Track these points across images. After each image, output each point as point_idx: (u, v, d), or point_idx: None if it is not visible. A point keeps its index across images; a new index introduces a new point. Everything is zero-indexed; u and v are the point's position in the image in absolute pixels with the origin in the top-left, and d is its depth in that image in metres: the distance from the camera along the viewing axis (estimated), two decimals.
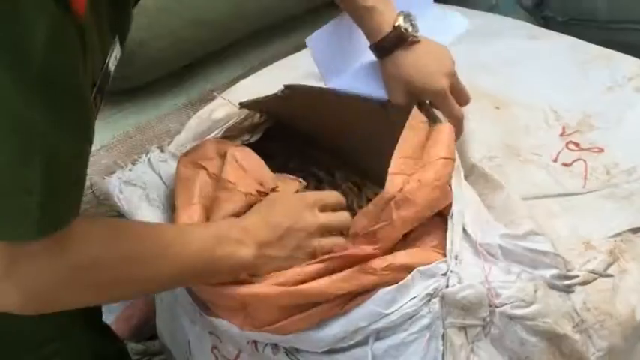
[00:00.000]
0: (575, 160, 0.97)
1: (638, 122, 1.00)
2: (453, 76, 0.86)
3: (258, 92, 0.99)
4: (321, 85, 0.97)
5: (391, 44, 0.85)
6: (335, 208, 0.77)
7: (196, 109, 1.27)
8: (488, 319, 0.76)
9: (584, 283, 0.77)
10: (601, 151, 0.97)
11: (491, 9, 1.65)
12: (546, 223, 0.85)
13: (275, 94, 0.94)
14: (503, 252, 0.77)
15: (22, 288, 0.57)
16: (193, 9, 1.27)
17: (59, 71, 0.51)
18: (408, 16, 0.86)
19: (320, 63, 0.97)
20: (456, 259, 0.76)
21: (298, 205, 0.75)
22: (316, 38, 0.95)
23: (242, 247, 0.70)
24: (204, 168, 0.85)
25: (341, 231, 0.77)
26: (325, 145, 1.03)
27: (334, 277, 0.70)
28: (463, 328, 0.78)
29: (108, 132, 1.29)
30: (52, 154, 0.53)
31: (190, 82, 1.36)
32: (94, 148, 1.28)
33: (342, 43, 0.97)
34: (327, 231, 0.75)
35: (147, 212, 0.88)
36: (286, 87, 0.93)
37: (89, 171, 1.28)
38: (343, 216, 0.76)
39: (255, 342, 0.80)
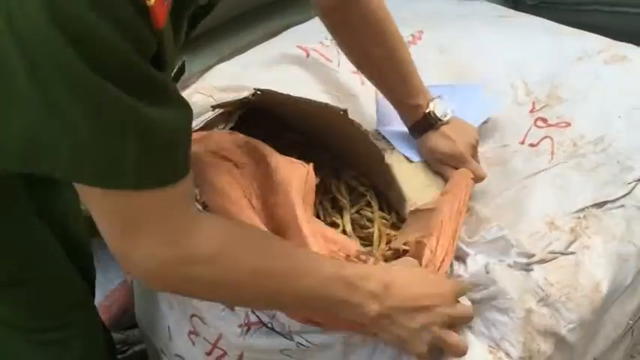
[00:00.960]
0: (543, 139, 0.98)
1: (605, 93, 1.01)
2: (473, 147, 0.94)
3: (232, 74, 0.99)
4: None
5: (422, 128, 0.95)
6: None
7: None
8: None
9: (542, 261, 0.78)
10: (568, 125, 0.98)
11: None
12: (513, 210, 0.87)
13: (246, 97, 0.95)
14: (473, 249, 0.80)
15: (137, 265, 0.60)
16: None
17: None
18: (439, 102, 0.94)
19: (379, 111, 1.04)
20: None
21: (447, 291, 0.71)
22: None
23: (373, 303, 0.66)
24: (229, 159, 0.85)
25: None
26: (297, 129, 1.04)
27: None
28: None
29: None
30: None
31: None
32: None
33: None
34: (453, 323, 0.71)
35: None
36: (256, 90, 0.94)
37: None
38: (469, 312, 0.73)
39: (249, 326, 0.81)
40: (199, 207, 0.80)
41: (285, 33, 1.30)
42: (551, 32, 1.16)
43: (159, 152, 0.57)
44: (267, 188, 0.82)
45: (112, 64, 0.52)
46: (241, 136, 0.89)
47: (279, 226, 0.78)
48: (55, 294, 0.86)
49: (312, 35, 1.21)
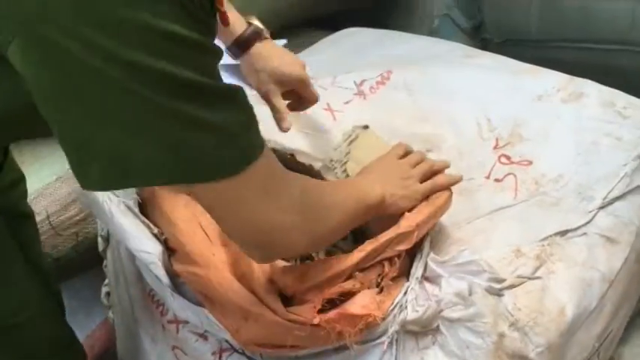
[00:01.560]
0: (507, 175, 1.03)
1: (563, 133, 1.07)
2: (305, 68, 0.96)
3: None
4: None
5: (250, 38, 0.94)
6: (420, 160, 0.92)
7: None
8: (435, 326, 0.82)
9: (512, 286, 0.83)
10: (530, 163, 1.03)
11: (432, 33, 1.74)
12: (480, 238, 0.92)
13: None
14: (446, 271, 0.84)
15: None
16: None
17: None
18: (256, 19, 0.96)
19: None
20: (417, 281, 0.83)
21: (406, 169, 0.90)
22: None
23: (375, 188, 0.83)
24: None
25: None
26: None
27: None
28: (414, 335, 0.84)
29: (63, 163, 1.31)
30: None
31: None
32: (50, 180, 1.32)
33: None
34: (436, 170, 0.91)
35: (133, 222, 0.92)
36: None
37: (45, 203, 1.30)
38: (429, 163, 0.92)
39: (220, 353, 0.84)
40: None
41: None
42: (513, 71, 1.22)
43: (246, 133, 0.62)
44: None
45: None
46: None
47: (235, 258, 0.82)
48: (42, 336, 0.88)
49: None
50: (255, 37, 0.94)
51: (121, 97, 0.55)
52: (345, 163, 1.01)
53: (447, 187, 0.90)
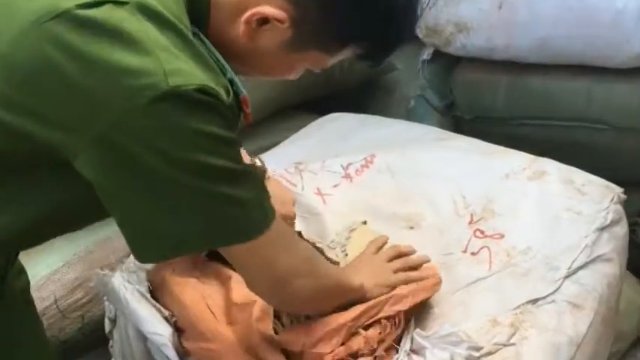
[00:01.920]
0: (481, 248, 1.14)
1: (529, 208, 1.19)
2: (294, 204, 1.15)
3: None
4: None
5: None
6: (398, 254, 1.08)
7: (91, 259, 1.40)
8: None
9: (489, 354, 0.93)
10: (502, 236, 1.15)
11: (409, 112, 1.88)
12: (459, 310, 1.02)
13: None
14: (430, 343, 0.94)
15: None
16: None
17: None
18: (260, 159, 1.13)
19: None
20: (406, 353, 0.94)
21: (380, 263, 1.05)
22: None
23: (355, 278, 0.98)
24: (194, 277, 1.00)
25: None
26: None
27: None
28: None
29: (70, 249, 1.40)
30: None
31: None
32: (57, 265, 1.40)
33: None
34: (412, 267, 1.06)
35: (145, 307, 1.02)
36: None
37: (53, 287, 1.38)
38: (403, 260, 1.07)
39: None
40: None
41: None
42: (483, 152, 1.35)
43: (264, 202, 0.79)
44: (230, 303, 0.97)
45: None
46: (204, 258, 1.04)
47: (241, 333, 0.92)
48: None
49: (277, 162, 1.38)
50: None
51: (183, 192, 0.71)
52: (345, 245, 1.12)
53: (419, 279, 1.03)
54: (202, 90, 0.68)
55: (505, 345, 0.95)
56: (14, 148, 0.72)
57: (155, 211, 0.72)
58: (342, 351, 0.87)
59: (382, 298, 0.93)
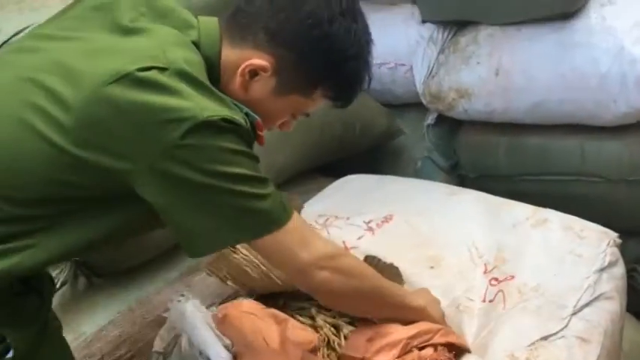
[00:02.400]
0: (497, 293, 1.26)
1: (536, 252, 1.32)
2: None
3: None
4: None
5: None
6: None
7: (188, 281, 1.54)
8: None
9: None
10: (513, 277, 1.27)
11: (417, 172, 2.02)
12: (480, 348, 1.14)
13: None
14: None
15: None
16: None
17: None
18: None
19: None
20: None
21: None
22: None
23: (420, 300, 1.17)
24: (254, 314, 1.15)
25: None
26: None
27: None
28: None
29: (113, 308, 1.51)
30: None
31: (179, 257, 1.62)
32: (104, 323, 1.50)
33: None
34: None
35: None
36: None
37: (99, 345, 1.49)
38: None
39: None
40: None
41: None
42: (490, 204, 1.48)
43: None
44: (285, 339, 1.10)
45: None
46: (261, 305, 1.18)
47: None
48: None
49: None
50: None
51: (217, 195, 0.92)
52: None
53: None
54: (226, 119, 0.91)
55: None
56: (92, 179, 0.93)
57: (198, 215, 0.92)
58: None
59: (434, 326, 1.06)
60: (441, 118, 2.00)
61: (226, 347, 1.09)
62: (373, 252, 1.36)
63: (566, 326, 1.17)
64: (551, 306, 1.20)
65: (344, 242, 1.40)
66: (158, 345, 1.31)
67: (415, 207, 1.51)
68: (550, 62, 1.73)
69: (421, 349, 1.05)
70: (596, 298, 1.22)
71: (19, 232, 0.94)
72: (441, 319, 1.18)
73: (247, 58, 0.99)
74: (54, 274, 1.46)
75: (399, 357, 1.02)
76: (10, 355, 0.98)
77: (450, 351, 1.09)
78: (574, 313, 1.19)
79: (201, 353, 1.09)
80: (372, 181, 1.68)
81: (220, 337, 1.10)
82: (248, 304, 1.18)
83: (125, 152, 0.90)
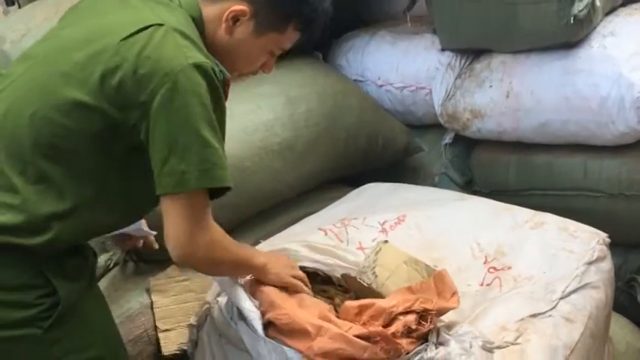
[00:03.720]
0: (494, 279, 1.43)
1: (532, 248, 1.48)
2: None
3: (272, 248, 1.48)
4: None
5: None
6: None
7: None
8: None
9: (499, 347, 1.20)
10: (509, 268, 1.44)
11: (434, 186, 2.19)
12: (474, 320, 1.30)
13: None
14: (452, 337, 1.22)
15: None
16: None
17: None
18: None
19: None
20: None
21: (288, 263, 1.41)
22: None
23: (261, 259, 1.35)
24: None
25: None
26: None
27: None
28: None
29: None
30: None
31: None
32: (146, 302, 1.69)
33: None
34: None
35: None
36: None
37: (143, 319, 1.67)
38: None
39: None
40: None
41: (305, 219, 1.78)
42: (493, 209, 1.66)
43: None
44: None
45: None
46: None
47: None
48: None
49: (325, 220, 1.70)
50: None
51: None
52: (374, 267, 1.40)
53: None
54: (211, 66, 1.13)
55: (512, 343, 1.22)
56: (103, 127, 1.12)
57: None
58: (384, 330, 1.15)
59: (412, 296, 1.21)
60: (457, 138, 2.19)
61: (255, 306, 1.28)
62: None
63: (554, 307, 1.32)
64: (543, 291, 1.36)
65: (360, 243, 1.56)
66: (192, 319, 1.51)
67: (426, 210, 1.68)
68: (555, 86, 1.91)
69: (405, 314, 1.19)
70: (583, 286, 1.38)
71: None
72: (283, 278, 1.34)
73: (228, 8, 1.20)
74: (106, 257, 1.68)
75: (385, 326, 1.17)
76: (60, 306, 1.19)
77: (429, 316, 1.22)
78: (562, 297, 1.34)
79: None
80: (389, 188, 1.87)
81: (251, 298, 1.29)
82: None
83: (138, 99, 1.10)
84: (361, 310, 1.21)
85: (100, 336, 1.27)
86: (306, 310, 1.25)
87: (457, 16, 2.04)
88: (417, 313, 1.19)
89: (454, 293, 1.25)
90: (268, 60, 1.30)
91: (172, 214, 1.14)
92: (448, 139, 2.22)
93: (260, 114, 1.86)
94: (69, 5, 1.77)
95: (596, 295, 1.38)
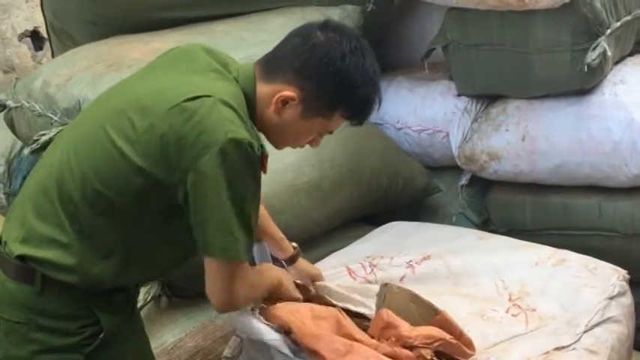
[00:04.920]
0: (520, 313, 1.49)
1: (555, 286, 1.55)
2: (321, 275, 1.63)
3: None
4: None
5: (295, 256, 1.59)
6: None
7: None
8: None
9: None
10: (534, 310, 1.50)
11: (452, 225, 2.27)
12: (501, 353, 1.36)
13: None
14: None
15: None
16: None
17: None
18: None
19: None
20: None
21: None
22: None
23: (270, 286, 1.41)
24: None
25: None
26: None
27: None
28: None
29: (189, 323, 1.77)
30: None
31: None
32: (180, 335, 1.76)
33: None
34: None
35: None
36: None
37: (178, 352, 1.73)
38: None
39: None
40: None
41: (332, 255, 1.85)
42: (514, 247, 1.73)
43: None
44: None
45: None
46: None
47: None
48: None
49: (351, 257, 1.77)
50: (297, 255, 1.59)
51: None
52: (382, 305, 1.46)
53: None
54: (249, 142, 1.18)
55: None
56: (152, 189, 1.20)
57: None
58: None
59: (432, 335, 1.30)
60: (474, 179, 2.27)
61: (276, 330, 1.35)
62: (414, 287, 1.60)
63: (577, 341, 1.38)
64: (566, 326, 1.42)
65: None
66: (227, 351, 1.56)
67: (449, 248, 1.75)
68: (569, 130, 2.00)
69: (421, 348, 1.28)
70: (605, 320, 1.44)
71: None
72: (293, 292, 1.43)
73: (279, 91, 1.26)
74: (145, 290, 1.74)
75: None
76: (102, 335, 1.27)
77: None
78: (585, 331, 1.41)
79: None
80: (412, 227, 1.94)
81: (269, 325, 1.36)
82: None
83: (180, 164, 1.18)
84: (388, 326, 1.31)
85: None
86: (322, 322, 1.33)
87: (473, 64, 2.15)
88: (432, 350, 1.26)
89: (461, 333, 1.32)
90: (315, 138, 1.35)
91: (209, 274, 1.24)
92: (465, 180, 2.30)
93: (289, 155, 1.95)
94: (108, 55, 1.92)
95: (618, 329, 1.44)
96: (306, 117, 1.28)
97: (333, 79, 1.25)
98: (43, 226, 1.24)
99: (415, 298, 1.42)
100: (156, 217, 1.24)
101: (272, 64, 1.29)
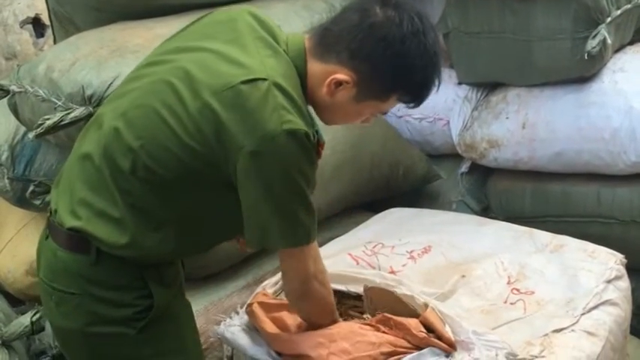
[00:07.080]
0: (518, 300, 1.51)
1: (553, 271, 1.57)
2: None
3: None
4: None
5: None
6: None
7: (252, 289, 1.81)
8: None
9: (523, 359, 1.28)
10: (533, 293, 1.52)
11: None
12: (505, 335, 1.38)
13: None
14: (478, 341, 1.29)
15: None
16: None
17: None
18: None
19: None
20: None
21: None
22: None
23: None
24: None
25: None
26: None
27: None
28: None
29: (192, 307, 1.78)
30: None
31: (246, 269, 1.90)
32: None
33: None
34: None
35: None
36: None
37: None
38: None
39: None
40: None
41: (334, 241, 1.86)
42: (514, 232, 1.75)
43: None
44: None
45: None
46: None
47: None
48: None
49: (352, 242, 1.79)
50: None
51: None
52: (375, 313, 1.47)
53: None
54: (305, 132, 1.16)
55: (536, 357, 1.30)
56: (202, 168, 1.18)
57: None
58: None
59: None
60: (474, 166, 2.29)
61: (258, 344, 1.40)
62: (416, 275, 1.61)
63: (575, 323, 1.40)
64: (565, 309, 1.45)
65: (391, 267, 1.64)
66: (226, 350, 1.59)
67: (450, 233, 1.77)
68: (569, 117, 2.02)
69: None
70: (602, 303, 1.46)
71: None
72: None
73: (332, 72, 1.21)
74: None
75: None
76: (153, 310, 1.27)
77: None
78: (583, 314, 1.43)
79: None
80: (412, 213, 1.96)
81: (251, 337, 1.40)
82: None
83: (236, 142, 1.15)
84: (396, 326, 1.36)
85: (188, 342, 1.35)
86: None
87: (473, 52, 2.17)
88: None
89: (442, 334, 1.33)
90: (368, 117, 1.31)
91: (283, 266, 1.29)
92: (465, 167, 2.32)
93: None
94: (111, 41, 1.92)
95: (615, 311, 1.46)
96: (360, 100, 1.23)
97: (391, 63, 1.19)
98: (93, 198, 1.22)
99: (398, 299, 1.44)
100: (206, 195, 1.23)
101: (326, 41, 1.23)
